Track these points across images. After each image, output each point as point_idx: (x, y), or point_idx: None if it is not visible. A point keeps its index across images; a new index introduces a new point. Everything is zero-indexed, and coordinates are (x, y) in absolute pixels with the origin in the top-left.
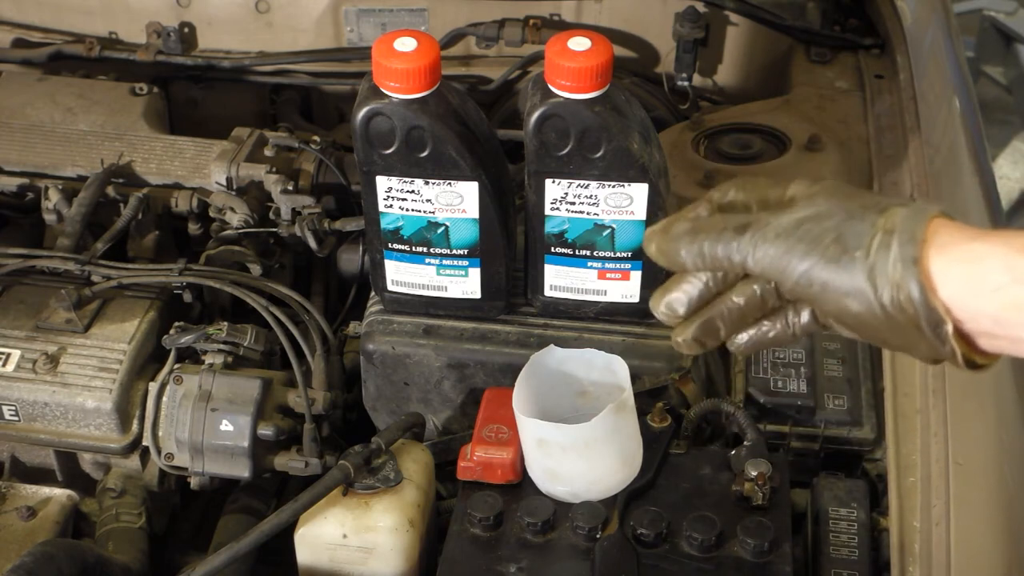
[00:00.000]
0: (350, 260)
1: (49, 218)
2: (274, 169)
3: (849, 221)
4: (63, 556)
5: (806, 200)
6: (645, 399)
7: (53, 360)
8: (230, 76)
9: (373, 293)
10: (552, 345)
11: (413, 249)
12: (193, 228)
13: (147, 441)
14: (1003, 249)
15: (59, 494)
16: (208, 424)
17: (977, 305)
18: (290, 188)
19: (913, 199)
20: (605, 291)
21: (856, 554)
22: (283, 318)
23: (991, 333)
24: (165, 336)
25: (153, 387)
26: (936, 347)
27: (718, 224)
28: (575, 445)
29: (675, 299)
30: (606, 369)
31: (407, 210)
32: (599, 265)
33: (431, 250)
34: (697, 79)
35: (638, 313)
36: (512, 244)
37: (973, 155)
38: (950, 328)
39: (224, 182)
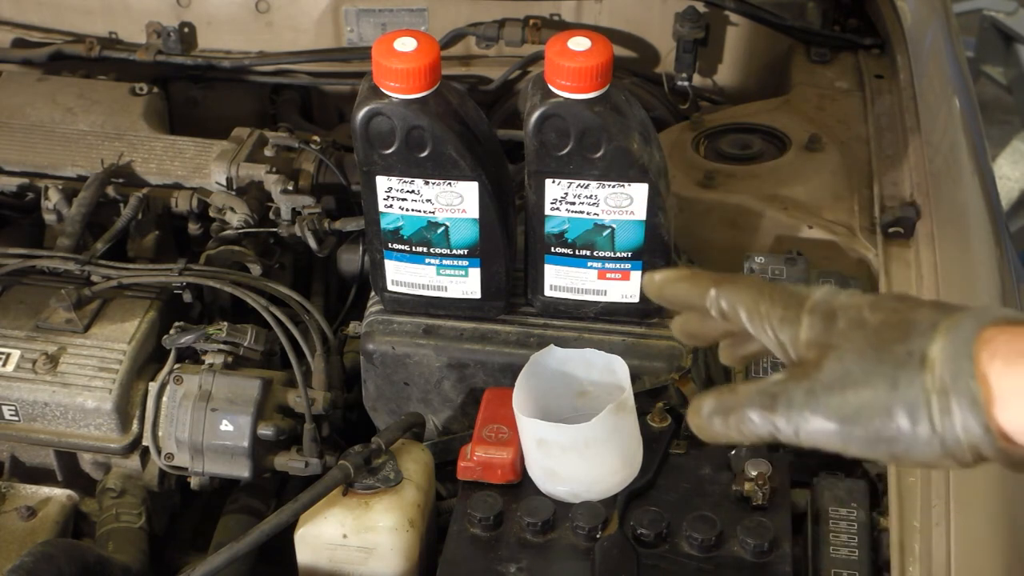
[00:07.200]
0: (350, 260)
1: (49, 218)
2: (274, 169)
3: (894, 391)
4: (63, 556)
5: (831, 356)
6: (645, 399)
7: (53, 360)
8: (230, 76)
9: (373, 293)
10: (552, 345)
11: (413, 249)
12: (193, 228)
13: (147, 441)
14: None
15: (59, 494)
16: (208, 424)
17: None
18: (290, 188)
19: (945, 313)
20: (605, 291)
21: (856, 554)
22: (283, 318)
23: None
24: (165, 336)
25: (153, 387)
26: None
27: (744, 401)
28: (575, 445)
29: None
30: (606, 369)
31: (407, 210)
32: (599, 265)
33: (431, 250)
34: (697, 79)
35: (638, 313)
36: (512, 244)
37: (973, 155)
38: None
39: (224, 182)
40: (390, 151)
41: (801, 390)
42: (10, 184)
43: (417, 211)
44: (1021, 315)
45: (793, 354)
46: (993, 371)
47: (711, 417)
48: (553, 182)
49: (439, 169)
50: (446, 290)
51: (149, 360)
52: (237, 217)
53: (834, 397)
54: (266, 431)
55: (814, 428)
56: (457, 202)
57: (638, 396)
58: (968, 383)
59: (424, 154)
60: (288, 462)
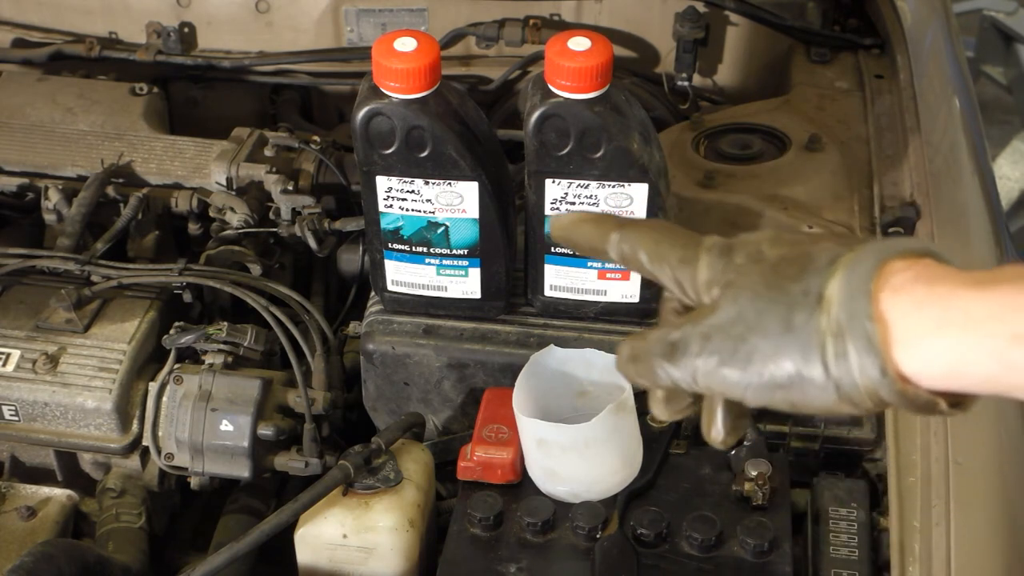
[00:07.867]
0: (350, 260)
1: (49, 218)
2: (274, 169)
3: (788, 334)
4: (63, 556)
5: (727, 296)
6: (645, 399)
7: (53, 360)
8: (230, 76)
9: (373, 293)
10: (552, 345)
11: (413, 249)
12: (193, 228)
13: (147, 441)
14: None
15: (59, 494)
16: (208, 424)
17: (970, 374)
18: (290, 188)
19: (847, 246)
20: (605, 291)
21: (856, 554)
22: (283, 318)
23: (989, 381)
24: (165, 336)
25: (153, 387)
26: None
27: (650, 348)
28: (575, 445)
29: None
30: (606, 369)
31: (407, 210)
32: (599, 265)
33: (431, 250)
34: (697, 79)
35: (638, 313)
36: (512, 244)
37: (973, 155)
38: (944, 404)
39: (224, 182)
40: (390, 151)
41: (697, 335)
42: (10, 184)
43: (417, 211)
44: (929, 245)
45: (694, 296)
46: (896, 309)
47: (627, 364)
48: (553, 182)
49: (439, 169)
50: (446, 290)
51: (149, 360)
52: (237, 217)
53: (728, 342)
54: (266, 431)
55: (711, 375)
56: (457, 202)
57: (638, 396)
58: (864, 324)
59: (424, 154)
60: (288, 462)
